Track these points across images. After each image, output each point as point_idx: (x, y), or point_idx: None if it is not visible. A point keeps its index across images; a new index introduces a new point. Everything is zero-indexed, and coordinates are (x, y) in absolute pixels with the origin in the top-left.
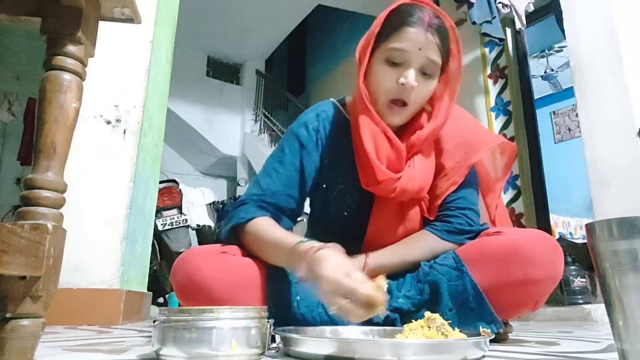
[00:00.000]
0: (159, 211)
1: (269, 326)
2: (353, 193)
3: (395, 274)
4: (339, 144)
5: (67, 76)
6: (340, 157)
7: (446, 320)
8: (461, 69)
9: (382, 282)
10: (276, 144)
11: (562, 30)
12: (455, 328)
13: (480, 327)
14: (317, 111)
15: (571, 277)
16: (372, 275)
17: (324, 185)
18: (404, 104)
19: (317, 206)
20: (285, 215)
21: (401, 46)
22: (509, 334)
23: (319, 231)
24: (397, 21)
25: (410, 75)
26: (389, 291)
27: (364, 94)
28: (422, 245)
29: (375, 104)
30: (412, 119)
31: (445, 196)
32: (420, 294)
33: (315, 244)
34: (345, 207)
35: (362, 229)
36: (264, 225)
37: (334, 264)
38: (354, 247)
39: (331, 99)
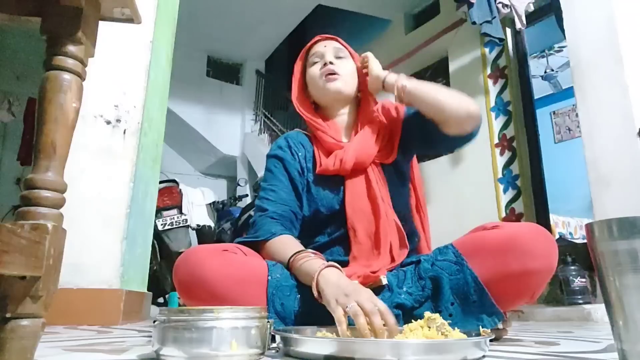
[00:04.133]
0: (159, 211)
1: (269, 326)
2: (332, 187)
3: (395, 271)
4: (308, 153)
5: (67, 76)
6: (310, 164)
7: (448, 313)
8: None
9: (383, 278)
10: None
11: (562, 30)
12: (456, 328)
13: (482, 321)
14: (285, 136)
15: (571, 277)
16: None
17: (309, 187)
18: (335, 74)
19: (307, 208)
20: (297, 219)
21: (313, 51)
22: (508, 329)
23: (308, 227)
24: (308, 49)
25: (327, 56)
26: (390, 288)
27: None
28: (452, 91)
29: (318, 93)
30: (358, 111)
31: (417, 116)
32: (422, 290)
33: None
34: (330, 201)
35: (342, 214)
36: (285, 242)
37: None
38: (338, 231)
39: (296, 129)
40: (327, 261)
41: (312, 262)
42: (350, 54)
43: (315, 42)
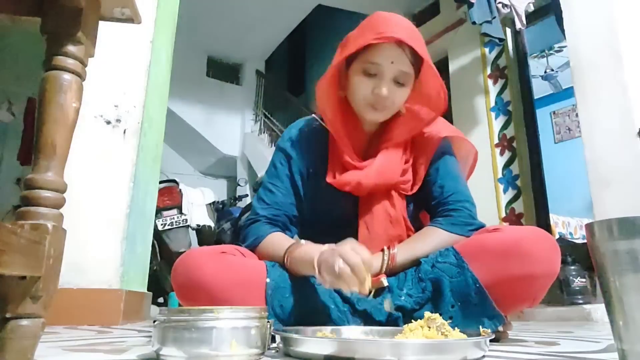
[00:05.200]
0: (159, 211)
1: (269, 326)
2: (340, 195)
3: (396, 271)
4: (321, 152)
5: (67, 76)
6: (323, 164)
7: (449, 316)
8: (439, 83)
9: (384, 280)
10: (276, 144)
11: (562, 30)
12: (456, 328)
13: (483, 324)
14: (300, 126)
15: (571, 277)
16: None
17: (315, 192)
18: (383, 107)
19: (310, 213)
20: (292, 223)
21: (376, 60)
22: (508, 332)
23: (311, 236)
24: (371, 35)
25: (384, 87)
26: (390, 289)
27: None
28: (429, 240)
29: (354, 107)
30: (388, 122)
31: (435, 189)
32: (422, 292)
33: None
34: (335, 209)
35: (353, 228)
36: (275, 240)
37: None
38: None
39: (313, 115)
40: None
41: (304, 248)
42: (415, 69)
43: (383, 42)
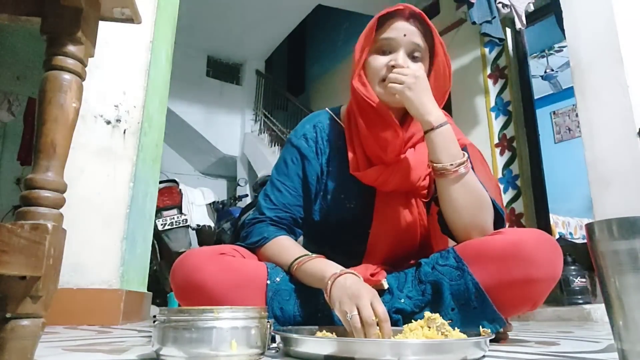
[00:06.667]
0: (159, 211)
1: (269, 326)
2: (354, 195)
3: (395, 273)
4: (336, 151)
5: (67, 76)
6: (338, 163)
7: (449, 319)
8: (449, 67)
9: (384, 282)
10: (276, 144)
11: (562, 30)
12: (456, 328)
13: (483, 326)
14: (314, 122)
15: (571, 277)
16: None
17: (326, 192)
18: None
19: (319, 213)
20: (298, 225)
21: (388, 35)
22: (509, 333)
23: (321, 238)
24: (385, 18)
25: (400, 57)
26: (390, 291)
27: (360, 85)
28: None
29: (372, 89)
30: (408, 117)
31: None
32: (422, 295)
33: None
34: (347, 209)
35: (365, 230)
36: (283, 244)
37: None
38: (357, 248)
39: (326, 109)
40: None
41: (317, 263)
42: (432, 44)
43: (395, 20)
